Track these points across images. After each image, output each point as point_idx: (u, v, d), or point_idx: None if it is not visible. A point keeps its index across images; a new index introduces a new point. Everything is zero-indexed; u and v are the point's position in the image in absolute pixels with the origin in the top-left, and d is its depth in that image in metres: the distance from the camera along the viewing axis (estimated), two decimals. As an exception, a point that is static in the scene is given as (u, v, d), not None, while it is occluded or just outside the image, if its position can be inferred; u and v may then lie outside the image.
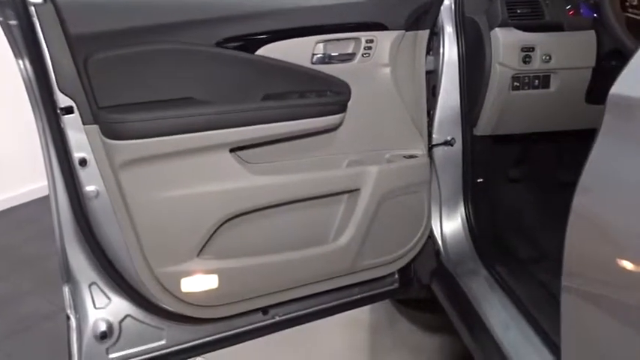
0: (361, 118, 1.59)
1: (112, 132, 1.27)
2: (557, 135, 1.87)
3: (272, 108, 1.40)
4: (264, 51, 1.44)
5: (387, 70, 1.57)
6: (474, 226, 1.86)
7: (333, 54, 1.52)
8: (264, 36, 1.44)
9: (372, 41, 1.53)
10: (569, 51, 1.65)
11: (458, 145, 1.83)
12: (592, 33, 1.66)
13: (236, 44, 1.41)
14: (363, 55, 1.53)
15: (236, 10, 1.41)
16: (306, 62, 1.49)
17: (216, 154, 1.37)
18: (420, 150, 1.68)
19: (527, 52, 1.63)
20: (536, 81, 1.68)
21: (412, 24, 1.58)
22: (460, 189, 1.87)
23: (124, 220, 1.34)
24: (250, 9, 1.41)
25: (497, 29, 1.64)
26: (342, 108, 1.49)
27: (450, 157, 1.84)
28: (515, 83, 1.67)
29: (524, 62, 1.64)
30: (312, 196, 1.51)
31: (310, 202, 1.53)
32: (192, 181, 1.36)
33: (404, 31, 1.56)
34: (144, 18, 1.34)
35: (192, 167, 1.35)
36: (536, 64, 1.64)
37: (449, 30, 1.74)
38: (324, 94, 1.49)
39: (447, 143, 1.82)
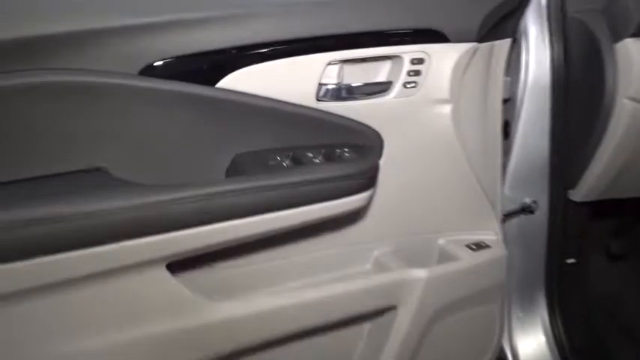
0: (400, 185, 0.96)
1: None
2: None
3: (247, 191, 0.76)
4: (231, 81, 0.81)
5: (447, 108, 0.93)
6: (563, 333, 1.23)
7: (354, 84, 0.88)
8: (231, 55, 0.81)
9: (421, 61, 0.89)
10: None
11: (542, 211, 1.20)
12: None
13: (179, 71, 0.78)
14: (405, 86, 0.90)
15: (179, 14, 0.77)
16: (307, 99, 0.85)
17: (143, 275, 0.75)
18: (492, 233, 1.05)
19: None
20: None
21: (490, 31, 0.94)
22: (541, 276, 1.24)
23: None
24: (204, 11, 0.78)
25: (628, 41, 0.99)
26: (369, 181, 0.86)
27: (528, 228, 1.22)
28: (652, 129, 1.03)
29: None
30: (313, 326, 0.89)
31: (311, 335, 0.91)
32: (98, 324, 0.75)
33: (476, 43, 0.92)
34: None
35: (97, 301, 0.74)
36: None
37: (536, 35, 1.10)
38: (340, 155, 0.86)
39: (525, 210, 1.19)
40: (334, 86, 0.87)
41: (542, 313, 1.23)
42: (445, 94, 0.92)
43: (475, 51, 0.93)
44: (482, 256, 1.00)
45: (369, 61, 0.89)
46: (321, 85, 0.86)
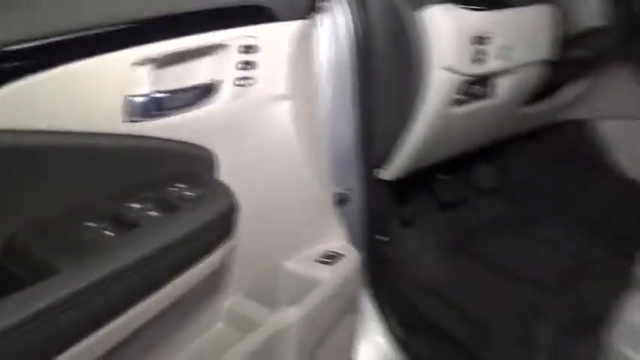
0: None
1: None
2: None
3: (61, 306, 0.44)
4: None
5: (285, 106, 0.73)
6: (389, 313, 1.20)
7: (169, 91, 0.61)
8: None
9: (253, 49, 0.67)
10: (526, 37, 1.06)
11: (355, 199, 1.12)
12: (547, 8, 1.09)
13: None
14: (237, 83, 0.66)
15: None
16: (109, 121, 0.55)
17: None
18: (338, 237, 0.92)
19: (479, 44, 0.97)
20: (483, 89, 1.05)
21: (312, 3, 0.77)
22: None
23: None
24: None
25: (433, 8, 0.93)
26: (234, 221, 0.61)
27: (345, 219, 1.12)
28: (457, 96, 1.01)
29: (475, 61, 0.98)
30: None
31: None
32: None
33: (303, 20, 0.74)
34: None
35: None
36: (491, 62, 1.00)
37: (334, 6, 0.98)
38: (180, 196, 0.59)
39: (342, 202, 1.09)
40: (145, 98, 0.58)
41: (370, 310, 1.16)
42: (282, 88, 0.72)
43: (304, 30, 0.74)
44: (341, 268, 0.86)
45: (187, 58, 0.62)
46: (127, 98, 0.56)
